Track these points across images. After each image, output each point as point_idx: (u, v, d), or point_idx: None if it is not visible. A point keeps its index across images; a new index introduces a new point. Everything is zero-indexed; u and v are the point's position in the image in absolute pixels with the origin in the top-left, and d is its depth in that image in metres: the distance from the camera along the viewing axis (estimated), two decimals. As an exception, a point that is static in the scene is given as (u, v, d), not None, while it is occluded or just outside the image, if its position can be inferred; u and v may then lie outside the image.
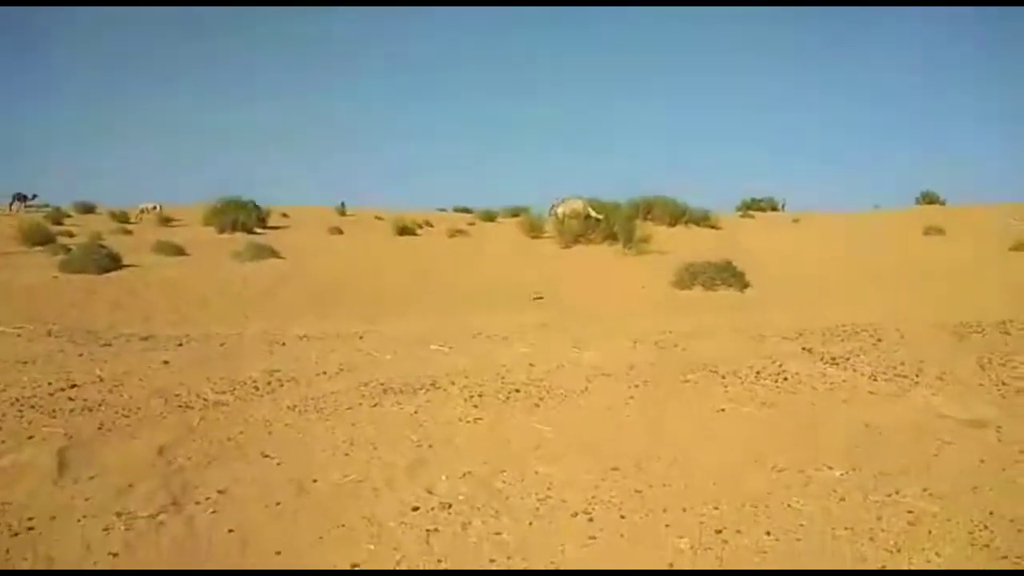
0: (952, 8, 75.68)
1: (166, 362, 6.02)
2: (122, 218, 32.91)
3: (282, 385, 5.56)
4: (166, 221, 33.37)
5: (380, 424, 4.79)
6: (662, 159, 78.83)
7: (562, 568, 3.33)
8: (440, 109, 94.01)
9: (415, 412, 5.01)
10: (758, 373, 6.09)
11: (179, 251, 20.89)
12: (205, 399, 5.13)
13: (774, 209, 35.58)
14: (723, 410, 5.28)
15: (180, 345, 6.82)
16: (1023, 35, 75.52)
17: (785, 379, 5.95)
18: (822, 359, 6.49)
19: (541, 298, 12.41)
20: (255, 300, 12.58)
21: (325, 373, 5.91)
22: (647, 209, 26.38)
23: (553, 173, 79.64)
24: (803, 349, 6.96)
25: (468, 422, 4.86)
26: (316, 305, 11.82)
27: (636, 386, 5.73)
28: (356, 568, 3.30)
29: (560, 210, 22.46)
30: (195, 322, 10.05)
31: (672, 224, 26.23)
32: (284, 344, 7.09)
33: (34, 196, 36.57)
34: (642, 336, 7.71)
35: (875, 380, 5.96)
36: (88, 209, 37.05)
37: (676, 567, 3.34)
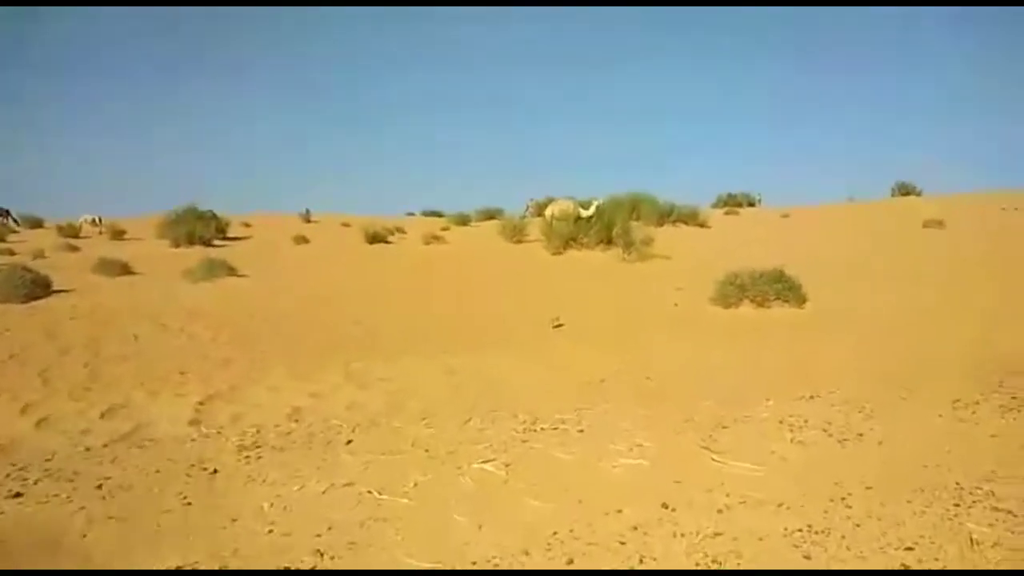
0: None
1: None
2: (70, 232, 28.92)
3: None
4: (119, 235, 29.48)
5: None
6: (621, 158, 75.08)
7: None
8: (403, 112, 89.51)
9: None
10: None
11: (125, 270, 17.38)
12: None
13: (751, 204, 33.02)
14: None
15: (17, 496, 3.58)
16: (990, 30, 72.06)
17: None
18: None
19: (561, 324, 9.37)
20: (202, 340, 9.31)
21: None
22: (632, 208, 23.47)
23: (517, 174, 75.76)
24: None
25: None
26: (283, 346, 8.61)
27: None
28: None
29: (548, 212, 19.40)
30: (109, 387, 6.77)
31: (660, 224, 23.38)
32: (215, 472, 3.90)
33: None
34: (779, 409, 4.74)
35: None
36: (36, 224, 32.77)
37: None
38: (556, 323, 9.44)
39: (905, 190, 31.39)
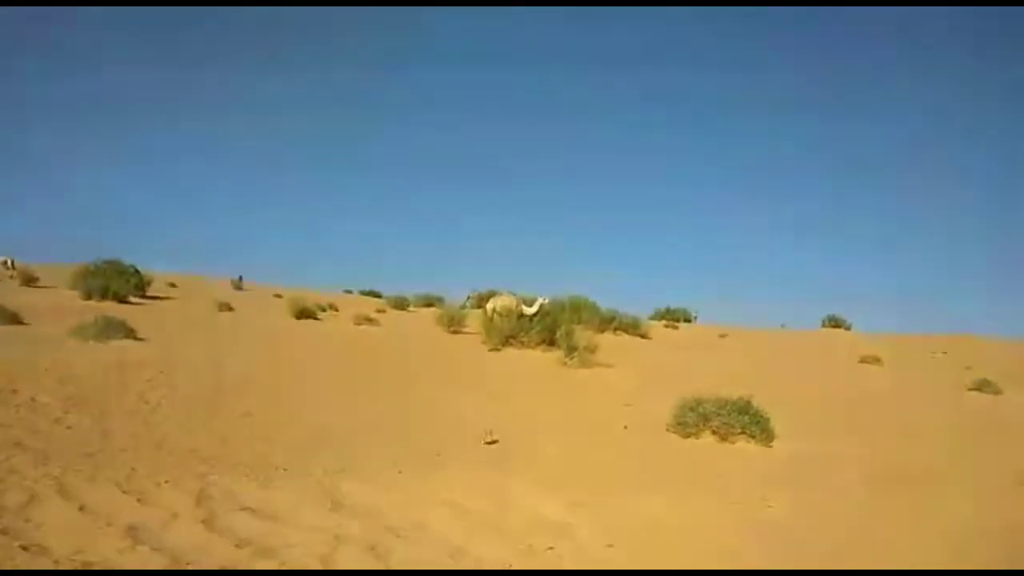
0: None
1: None
2: (-27, 273, 25.79)
3: None
4: (30, 281, 26.45)
5: None
6: (559, 262, 74.46)
7: None
8: (352, 189, 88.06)
9: None
10: None
11: (12, 319, 14.81)
12: None
13: (687, 320, 32.19)
14: None
15: None
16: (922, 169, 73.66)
17: None
18: None
19: (495, 441, 7.50)
20: (42, 419, 7.07)
21: None
22: (575, 311, 21.99)
23: (460, 263, 74.15)
24: None
25: None
26: (141, 439, 6.48)
27: None
28: None
29: (490, 305, 17.69)
30: None
31: (601, 330, 21.90)
32: None
33: None
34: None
35: None
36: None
37: None
38: (489, 439, 7.56)
39: (835, 323, 31.06)
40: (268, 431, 7.08)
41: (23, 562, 3.44)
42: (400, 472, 5.79)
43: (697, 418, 8.52)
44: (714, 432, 8.43)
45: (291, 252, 75.28)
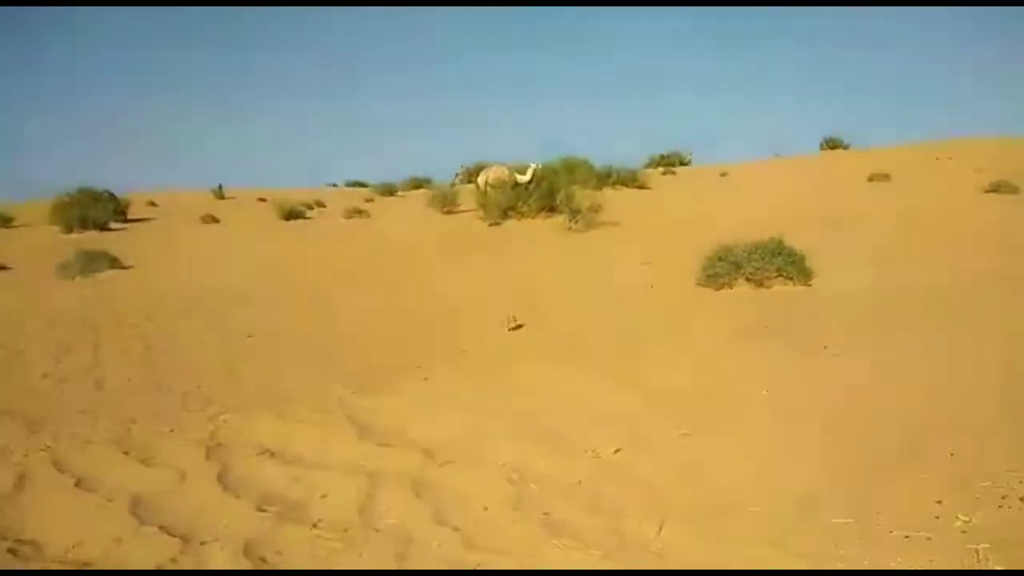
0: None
1: None
2: (-56, 221, 24.51)
3: None
4: (6, 222, 25.21)
5: None
6: (535, 119, 71.27)
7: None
8: (317, 77, 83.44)
9: None
10: None
11: (-5, 266, 13.96)
12: None
13: (683, 163, 31.10)
14: None
15: None
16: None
17: None
18: None
19: (520, 326, 6.89)
20: (32, 365, 6.44)
21: None
22: (569, 172, 20.97)
23: (438, 141, 71.45)
24: None
25: None
26: (135, 378, 5.87)
27: None
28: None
29: (481, 179, 16.72)
30: None
31: (599, 188, 20.98)
32: None
33: None
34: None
35: None
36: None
37: None
38: (513, 324, 6.94)
39: (833, 144, 29.97)
40: (274, 352, 6.45)
41: (14, 567, 2.87)
42: (426, 379, 5.19)
43: (728, 267, 7.89)
44: (748, 279, 7.82)
45: (271, 152, 72.62)
